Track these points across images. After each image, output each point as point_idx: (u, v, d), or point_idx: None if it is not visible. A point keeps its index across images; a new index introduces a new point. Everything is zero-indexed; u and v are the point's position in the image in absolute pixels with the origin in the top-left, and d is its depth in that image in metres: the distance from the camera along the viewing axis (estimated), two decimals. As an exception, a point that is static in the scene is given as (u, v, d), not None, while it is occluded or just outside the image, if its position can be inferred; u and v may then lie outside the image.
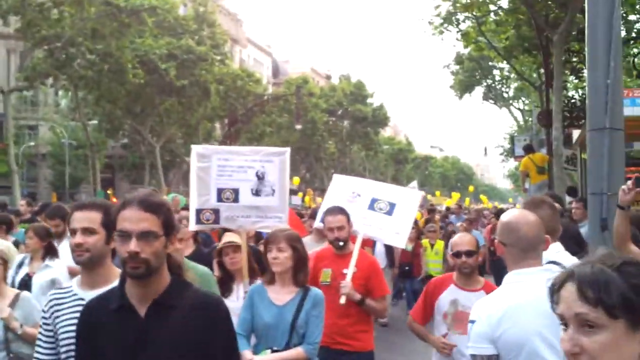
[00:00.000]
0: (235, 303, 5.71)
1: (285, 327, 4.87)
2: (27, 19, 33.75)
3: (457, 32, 26.82)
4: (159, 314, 2.87)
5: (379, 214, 6.65)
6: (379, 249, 13.93)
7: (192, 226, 6.60)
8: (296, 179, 39.35)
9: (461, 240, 5.59)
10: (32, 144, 54.53)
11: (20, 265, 7.19)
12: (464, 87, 52.26)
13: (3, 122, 33.37)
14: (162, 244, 2.86)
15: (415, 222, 14.07)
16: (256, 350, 4.93)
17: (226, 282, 5.99)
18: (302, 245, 5.08)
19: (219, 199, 6.44)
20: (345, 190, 6.93)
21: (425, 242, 14.62)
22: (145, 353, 2.80)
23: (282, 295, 4.98)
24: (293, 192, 39.02)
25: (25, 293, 5.72)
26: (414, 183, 28.38)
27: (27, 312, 5.47)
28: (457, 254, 5.44)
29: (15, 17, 36.17)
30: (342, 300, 5.81)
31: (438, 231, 15.49)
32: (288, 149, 6.68)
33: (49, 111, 54.22)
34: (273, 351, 4.85)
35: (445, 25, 26.36)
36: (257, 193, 6.45)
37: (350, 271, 5.93)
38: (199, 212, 6.44)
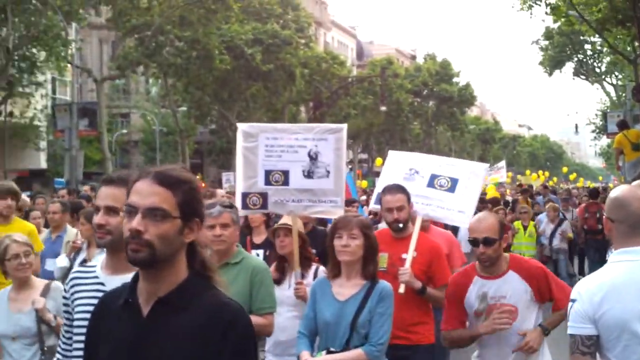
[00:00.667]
0: (285, 292, 5.52)
1: (346, 326, 4.36)
2: (118, 8, 34.52)
3: (547, 6, 25.98)
4: (163, 316, 2.39)
5: (440, 191, 6.03)
6: (463, 233, 13.12)
7: (240, 211, 5.86)
8: (379, 160, 38.96)
9: (478, 224, 4.53)
10: (124, 131, 56.05)
11: (78, 252, 7.11)
12: (554, 63, 50.83)
13: (97, 110, 34.24)
14: (175, 227, 2.36)
15: (506, 202, 13.51)
16: (318, 350, 4.52)
17: (281, 266, 5.71)
18: (374, 234, 4.62)
19: (267, 182, 5.98)
20: (401, 168, 6.30)
21: (517, 223, 14.00)
22: (140, 358, 2.37)
23: (346, 289, 4.48)
24: (377, 173, 38.74)
25: (56, 283, 5.29)
26: (502, 163, 27.76)
27: (59, 303, 4.75)
28: (473, 242, 4.49)
29: (107, 7, 37.09)
30: (401, 289, 5.20)
31: (530, 212, 14.93)
32: (344, 126, 6.19)
33: (140, 99, 55.55)
34: (329, 352, 4.39)
35: (534, -1, 25.58)
36: (309, 175, 5.95)
37: (409, 256, 5.36)
38: (245, 196, 5.99)
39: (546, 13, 26.60)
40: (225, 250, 4.75)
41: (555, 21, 27.70)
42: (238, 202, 5.90)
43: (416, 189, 5.94)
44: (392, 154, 6.71)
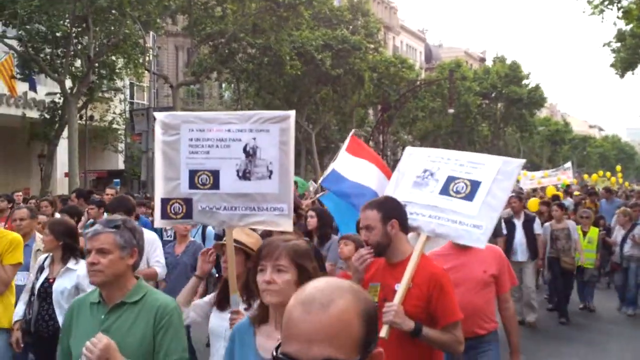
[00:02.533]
0: (225, 322, 4.22)
1: None
2: (194, 17, 35.20)
3: (619, 10, 25.27)
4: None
5: (455, 199, 4.46)
6: (519, 239, 12.03)
7: (157, 222, 4.88)
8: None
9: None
10: (198, 133, 56.83)
11: (40, 270, 6.11)
12: (626, 64, 49.20)
13: (172, 115, 34.85)
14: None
15: (561, 205, 12.53)
16: None
17: (223, 290, 4.43)
18: (314, 263, 3.20)
19: (192, 185, 4.78)
20: (414, 170, 4.79)
21: (577, 229, 12.92)
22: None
23: (275, 341, 2.88)
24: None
25: None
26: (568, 164, 27.07)
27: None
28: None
29: (183, 16, 37.81)
30: (383, 332, 3.87)
31: (592, 217, 13.98)
32: (292, 112, 4.79)
33: (214, 103, 56.32)
34: None
35: (606, 3, 24.90)
36: (245, 176, 4.73)
37: (402, 287, 4.01)
38: (165, 202, 4.80)
39: (618, 17, 25.89)
40: (109, 284, 3.55)
41: (627, 24, 26.87)
42: (157, 210, 4.85)
43: (425, 198, 4.54)
44: (408, 151, 5.08)
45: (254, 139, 4.72)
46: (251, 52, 38.00)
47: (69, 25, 28.30)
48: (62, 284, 5.79)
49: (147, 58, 33.28)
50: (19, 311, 6.09)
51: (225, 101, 55.58)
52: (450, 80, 48.13)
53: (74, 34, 28.72)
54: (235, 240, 4.53)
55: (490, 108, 66.74)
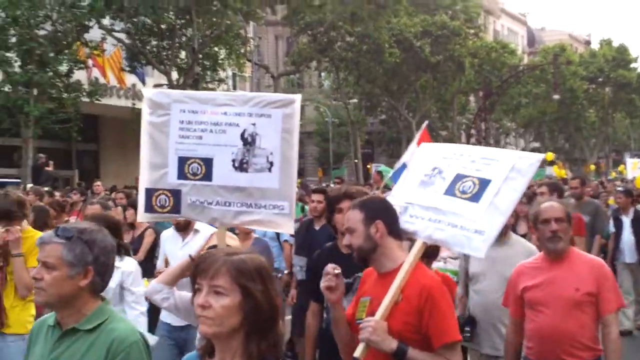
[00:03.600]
0: None
1: None
2: (292, 6, 35.46)
3: None
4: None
5: (459, 200, 3.75)
6: (627, 238, 10.75)
7: (141, 215, 4.38)
8: (549, 155, 36.96)
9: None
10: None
11: None
12: None
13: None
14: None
15: None
16: None
17: None
18: (266, 286, 2.42)
19: (181, 175, 4.21)
20: (424, 167, 4.06)
21: None
22: None
23: None
24: (550, 163, 36.84)
25: None
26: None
27: None
28: None
29: (282, 6, 38.17)
30: (358, 351, 3.35)
31: None
32: (298, 96, 4.31)
33: (314, 92, 56.66)
34: None
35: None
36: (242, 167, 4.15)
37: (386, 301, 3.38)
38: (150, 193, 4.23)
39: None
40: (56, 306, 2.94)
41: None
42: (140, 202, 4.33)
43: (428, 199, 3.84)
44: (423, 147, 4.51)
45: (254, 124, 4.15)
46: (350, 41, 38.00)
47: (173, 17, 29.08)
48: None
49: (248, 48, 33.79)
50: None
51: (324, 90, 55.84)
52: (555, 64, 46.66)
53: (178, 27, 29.49)
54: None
55: (597, 93, 64.15)
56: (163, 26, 29.12)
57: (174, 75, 29.81)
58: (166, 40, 30.06)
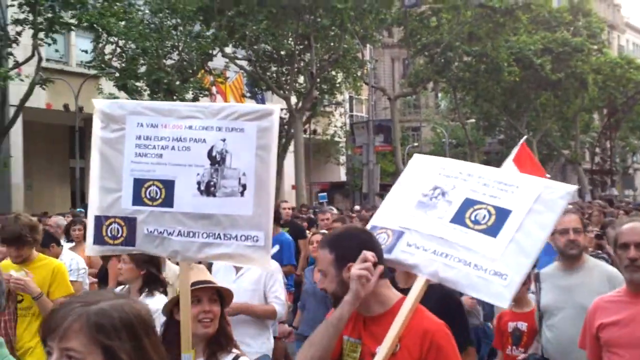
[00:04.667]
0: None
1: None
2: (409, 28, 35.37)
3: None
4: None
5: (472, 232, 3.02)
6: None
7: (89, 248, 3.67)
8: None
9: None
10: (415, 144, 57.07)
11: None
12: None
13: (391, 127, 35.35)
14: None
15: None
16: None
17: (171, 342, 3.33)
18: (141, 341, 1.80)
19: (137, 200, 3.54)
20: (422, 183, 3.29)
21: None
22: None
23: None
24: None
25: None
26: None
27: None
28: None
29: (398, 28, 38.15)
30: None
31: None
32: (276, 107, 3.64)
33: (430, 113, 56.21)
34: None
35: None
36: (208, 190, 3.48)
37: (382, 351, 2.82)
38: (100, 222, 3.57)
39: None
40: None
41: None
42: (89, 232, 3.64)
43: (431, 226, 3.09)
44: (416, 159, 3.54)
45: (224, 140, 3.46)
46: (467, 61, 37.46)
47: (292, 43, 29.62)
48: None
49: (365, 71, 33.94)
50: None
51: (441, 110, 55.31)
52: (684, 79, 44.13)
53: (297, 52, 30.00)
54: (208, 282, 3.60)
55: None
56: (282, 52, 29.73)
57: (293, 99, 30.29)
58: (285, 66, 30.65)
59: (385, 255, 2.95)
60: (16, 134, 27.82)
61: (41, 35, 23.52)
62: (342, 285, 2.87)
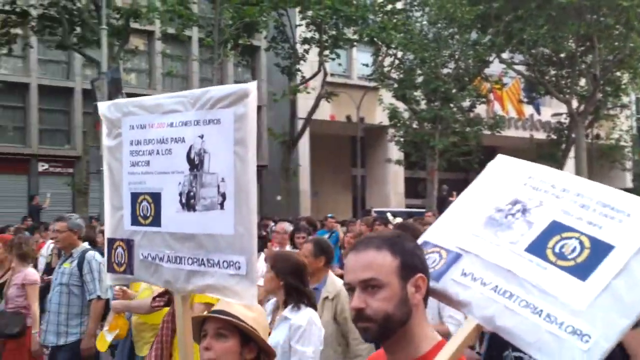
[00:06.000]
0: None
1: None
2: None
3: None
4: None
5: (550, 269, 2.04)
6: None
7: (107, 277, 3.28)
8: None
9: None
10: None
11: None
12: None
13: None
14: None
15: None
16: None
17: None
18: None
19: (135, 219, 3.02)
20: (499, 194, 2.35)
21: None
22: None
23: None
24: None
25: None
26: None
27: None
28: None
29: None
30: None
31: None
32: (252, 85, 2.71)
33: None
34: None
35: None
36: (189, 203, 2.81)
37: None
38: (110, 245, 3.14)
39: None
40: None
41: None
42: (106, 258, 3.20)
43: (498, 253, 2.18)
44: (499, 160, 2.54)
45: (201, 137, 2.76)
46: None
47: (573, 45, 28.25)
48: (275, 337, 4.12)
49: (655, 71, 31.26)
50: None
51: None
52: None
53: (578, 54, 28.56)
54: (221, 311, 2.69)
55: None
56: (562, 55, 28.44)
57: (574, 103, 28.86)
58: (565, 69, 29.35)
59: (432, 284, 2.11)
60: (304, 144, 29.83)
61: (326, 52, 24.93)
62: (403, 305, 1.97)
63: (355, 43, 26.05)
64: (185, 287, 2.86)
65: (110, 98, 20.96)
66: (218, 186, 2.71)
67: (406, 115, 26.85)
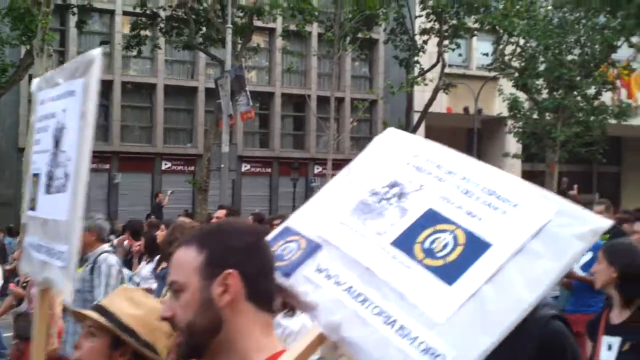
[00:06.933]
0: None
1: None
2: None
3: None
4: None
5: (415, 268, 1.63)
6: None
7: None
8: None
9: None
10: None
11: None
12: None
13: None
14: None
15: None
16: None
17: None
18: None
19: (28, 203, 2.81)
20: (378, 174, 1.88)
21: None
22: None
23: None
24: None
25: None
26: None
27: None
28: None
29: None
30: None
31: None
32: (96, 51, 2.47)
33: None
34: None
35: None
36: (48, 185, 2.59)
37: None
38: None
39: None
40: None
41: None
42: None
43: (360, 245, 1.74)
44: (388, 134, 2.04)
45: (64, 111, 2.54)
46: None
47: None
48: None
49: None
50: None
51: None
52: None
53: None
54: (99, 307, 2.33)
55: None
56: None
57: None
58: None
59: (281, 280, 1.74)
60: (420, 137, 29.50)
61: (446, 42, 24.55)
62: (207, 309, 1.59)
63: (475, 32, 25.52)
64: (39, 279, 2.63)
65: (233, 96, 21.45)
66: (66, 165, 2.50)
67: (527, 105, 26.08)
